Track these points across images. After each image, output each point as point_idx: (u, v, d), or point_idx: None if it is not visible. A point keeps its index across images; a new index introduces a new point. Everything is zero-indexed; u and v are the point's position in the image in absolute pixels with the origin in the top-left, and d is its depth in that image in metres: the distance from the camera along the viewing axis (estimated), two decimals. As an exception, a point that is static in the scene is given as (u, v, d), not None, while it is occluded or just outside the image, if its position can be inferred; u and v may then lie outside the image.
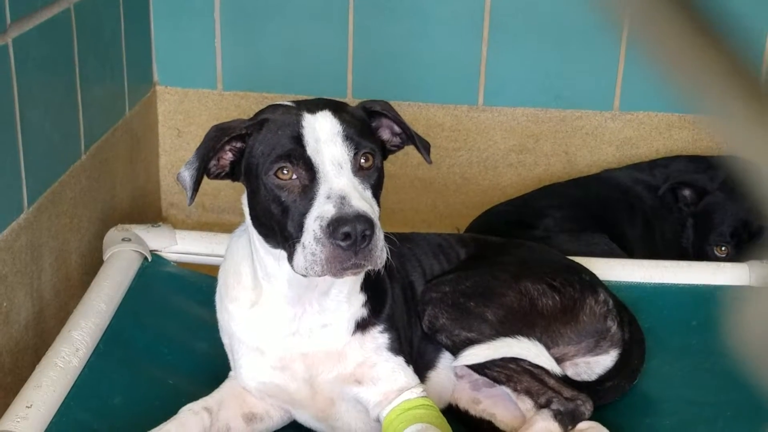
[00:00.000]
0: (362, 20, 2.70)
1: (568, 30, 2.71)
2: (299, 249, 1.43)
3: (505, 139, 2.82)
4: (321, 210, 1.42)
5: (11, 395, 1.66)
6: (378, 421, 1.65)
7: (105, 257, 2.09)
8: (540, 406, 1.69)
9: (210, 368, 1.88)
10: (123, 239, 2.12)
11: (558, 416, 1.68)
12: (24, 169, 1.89)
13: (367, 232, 1.39)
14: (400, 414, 1.61)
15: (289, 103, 1.56)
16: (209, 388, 1.74)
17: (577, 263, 1.95)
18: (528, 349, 1.70)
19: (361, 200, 1.43)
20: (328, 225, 1.39)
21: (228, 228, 2.69)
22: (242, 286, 1.65)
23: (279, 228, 1.48)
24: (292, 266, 1.46)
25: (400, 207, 2.86)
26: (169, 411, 1.64)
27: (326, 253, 1.40)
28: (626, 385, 1.84)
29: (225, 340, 1.75)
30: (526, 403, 1.70)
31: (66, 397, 1.64)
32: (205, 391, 1.73)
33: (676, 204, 2.55)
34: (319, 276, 1.44)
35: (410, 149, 2.82)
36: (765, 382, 0.43)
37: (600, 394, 1.77)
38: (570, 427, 1.68)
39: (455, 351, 1.73)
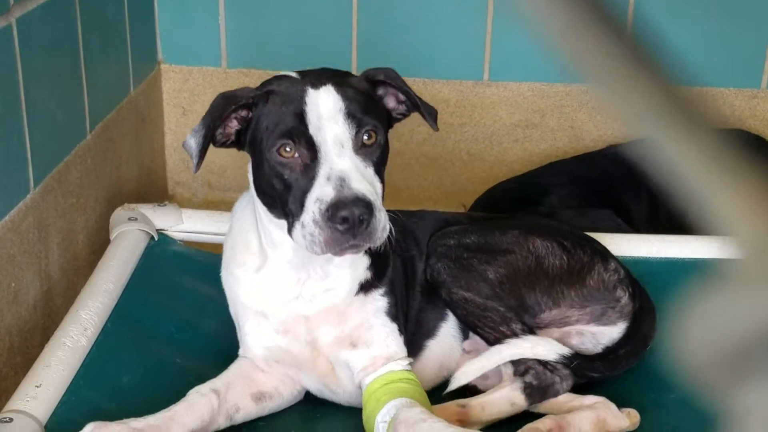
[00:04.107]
0: (366, -4, 2.69)
1: (574, 4, 2.68)
2: (298, 226, 1.46)
3: (510, 114, 2.81)
4: (321, 192, 1.43)
5: (21, 375, 1.67)
6: (360, 387, 1.67)
7: (112, 237, 2.10)
8: (518, 374, 1.70)
9: (217, 346, 1.89)
10: (129, 219, 2.12)
11: (527, 389, 1.68)
12: (30, 149, 1.89)
13: (365, 216, 1.41)
14: (383, 385, 1.63)
15: (294, 75, 1.56)
16: (217, 366, 1.75)
17: (590, 236, 1.95)
18: (519, 347, 1.69)
19: (362, 181, 1.45)
20: (327, 209, 1.41)
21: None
22: (250, 252, 1.67)
23: (281, 203, 1.51)
24: (291, 237, 1.49)
25: (406, 184, 2.86)
26: (176, 389, 1.65)
27: (324, 235, 1.43)
28: (640, 350, 1.80)
29: (232, 311, 1.77)
30: (508, 368, 1.71)
31: (75, 377, 1.65)
32: (213, 369, 1.74)
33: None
34: (318, 255, 1.48)
35: (416, 125, 2.81)
36: (711, 394, 0.44)
37: (614, 363, 1.76)
38: (539, 402, 1.69)
39: (452, 308, 1.76)
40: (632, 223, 2.48)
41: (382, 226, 1.45)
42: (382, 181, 1.53)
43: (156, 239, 2.13)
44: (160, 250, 2.11)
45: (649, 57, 0.43)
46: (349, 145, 1.48)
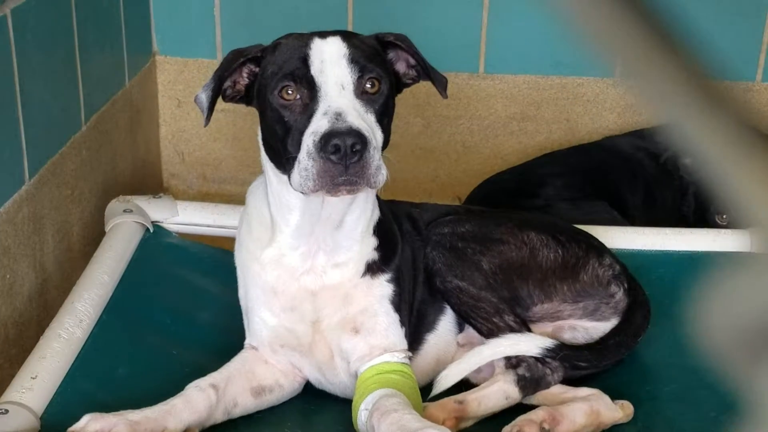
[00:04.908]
0: (362, -12, 2.69)
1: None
2: (296, 166, 1.46)
3: (506, 107, 2.81)
4: (316, 125, 1.44)
5: (16, 366, 1.67)
6: (355, 376, 1.67)
7: (107, 229, 2.09)
8: (510, 366, 1.70)
9: (213, 338, 1.89)
10: (124, 210, 2.12)
11: (521, 381, 1.68)
12: (25, 141, 1.89)
13: (358, 147, 1.41)
14: (375, 374, 1.63)
15: (304, 32, 1.59)
16: (212, 357, 1.76)
17: (587, 232, 1.94)
18: (499, 346, 1.69)
19: (359, 119, 1.45)
20: (320, 139, 1.42)
21: (229, 198, 2.69)
22: (264, 226, 1.68)
23: (281, 147, 1.51)
24: (291, 184, 1.49)
25: (401, 176, 2.85)
26: (172, 381, 1.66)
27: (317, 167, 1.43)
28: (630, 342, 1.80)
29: (241, 293, 1.76)
30: (500, 361, 1.71)
31: (70, 368, 1.65)
32: (208, 361, 1.74)
33: (677, 172, 2.54)
34: (313, 192, 1.45)
35: (412, 116, 2.81)
36: (733, 375, 0.44)
37: (602, 353, 1.76)
38: (532, 394, 1.69)
39: (446, 297, 1.76)
40: (627, 214, 2.48)
41: (376, 164, 1.45)
42: (385, 132, 1.54)
43: (151, 231, 2.12)
44: (155, 242, 2.11)
45: (681, 47, 0.43)
46: (350, 88, 1.49)
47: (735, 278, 0.43)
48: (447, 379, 1.69)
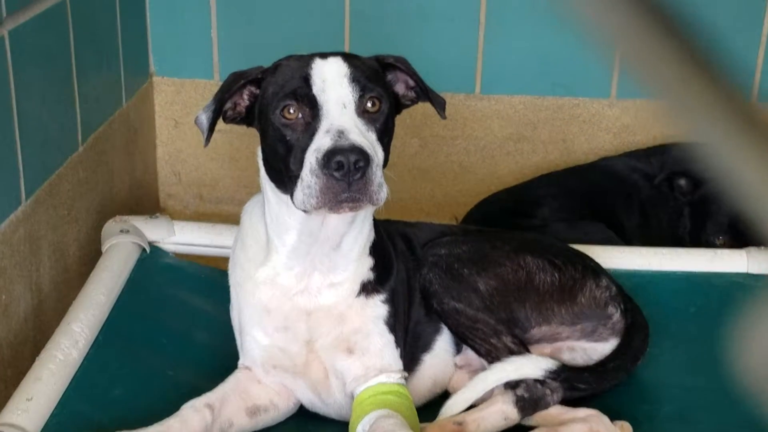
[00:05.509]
0: (358, 7, 2.70)
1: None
2: (299, 183, 1.46)
3: (502, 127, 2.82)
4: (319, 143, 1.45)
5: (11, 388, 1.66)
6: (352, 397, 1.67)
7: (103, 249, 2.09)
8: (509, 387, 1.69)
9: (209, 358, 1.88)
10: (121, 231, 2.12)
11: (519, 402, 1.68)
12: (21, 161, 1.89)
13: (361, 164, 1.42)
14: (372, 396, 1.63)
15: (304, 54, 1.60)
16: (209, 378, 1.75)
17: (583, 253, 1.95)
18: (504, 371, 1.69)
19: (360, 136, 1.46)
20: (324, 156, 1.42)
21: (226, 219, 2.69)
22: (259, 245, 1.68)
23: (284, 166, 1.52)
24: (293, 203, 1.49)
25: (398, 197, 2.84)
26: (168, 402, 1.65)
27: (320, 184, 1.43)
28: (629, 366, 1.80)
29: (234, 313, 1.75)
30: None
31: (66, 390, 1.65)
32: (205, 381, 1.73)
33: (672, 193, 2.55)
34: (316, 209, 1.46)
35: (409, 137, 2.82)
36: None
37: (602, 376, 1.76)
38: (531, 415, 1.69)
39: (444, 318, 1.75)
40: (624, 235, 2.48)
41: (378, 181, 1.46)
42: (385, 151, 1.55)
43: (148, 251, 2.12)
44: (151, 263, 2.11)
45: (711, 61, 0.43)
46: (351, 106, 1.50)
47: None
48: (453, 408, 1.69)
